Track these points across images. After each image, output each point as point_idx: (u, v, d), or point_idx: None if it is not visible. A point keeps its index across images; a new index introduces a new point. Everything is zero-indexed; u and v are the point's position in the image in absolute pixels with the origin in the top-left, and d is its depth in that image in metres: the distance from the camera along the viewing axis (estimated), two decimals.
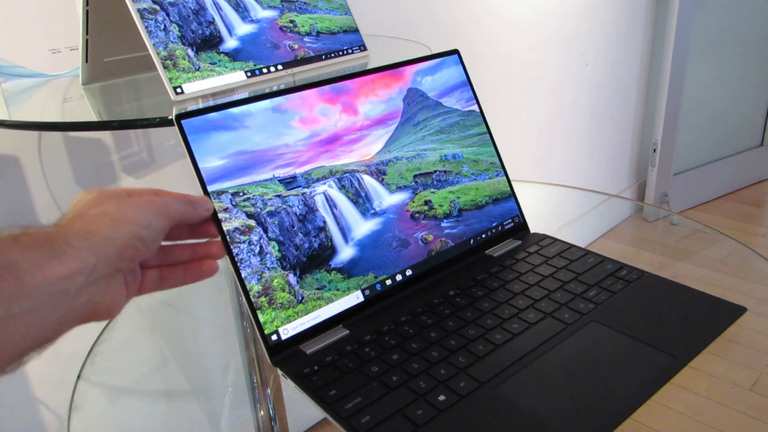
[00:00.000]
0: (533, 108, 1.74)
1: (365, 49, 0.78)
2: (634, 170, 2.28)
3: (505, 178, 0.66)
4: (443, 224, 0.60)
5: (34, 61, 0.83)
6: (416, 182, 0.59)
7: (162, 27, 0.63)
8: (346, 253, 0.53)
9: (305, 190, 0.53)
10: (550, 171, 1.88)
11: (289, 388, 0.47)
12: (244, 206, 0.49)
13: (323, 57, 0.74)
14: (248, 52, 0.68)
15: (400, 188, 0.58)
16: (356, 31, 0.79)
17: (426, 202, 0.59)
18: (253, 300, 0.48)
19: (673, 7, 1.93)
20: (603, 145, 2.07)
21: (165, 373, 1.01)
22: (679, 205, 2.26)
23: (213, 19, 0.67)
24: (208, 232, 0.47)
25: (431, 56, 0.64)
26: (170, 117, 0.51)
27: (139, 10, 0.61)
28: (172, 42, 0.63)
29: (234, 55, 0.67)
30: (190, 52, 0.64)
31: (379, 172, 0.57)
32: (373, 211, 0.56)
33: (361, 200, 0.56)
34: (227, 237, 0.47)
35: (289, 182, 0.52)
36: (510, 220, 0.65)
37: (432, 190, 0.60)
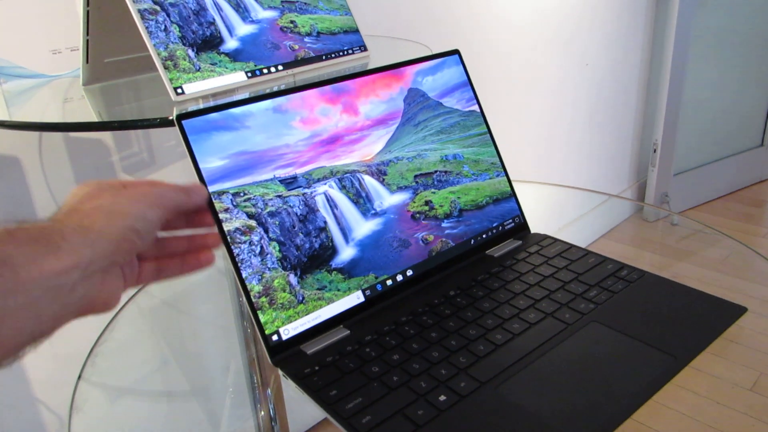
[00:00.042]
0: (533, 108, 1.74)
1: (365, 49, 0.78)
2: (635, 170, 2.28)
3: (505, 178, 0.66)
4: (444, 224, 0.60)
5: (34, 61, 0.83)
6: (417, 182, 0.59)
7: (162, 27, 0.63)
8: (346, 253, 0.54)
9: (306, 190, 0.53)
10: (551, 171, 1.88)
11: (290, 389, 0.47)
12: (245, 206, 0.49)
13: (324, 57, 0.74)
14: (249, 52, 0.68)
15: (400, 188, 0.58)
16: (356, 31, 0.79)
17: (427, 203, 0.59)
18: (253, 300, 0.48)
19: (673, 7, 1.93)
20: (603, 145, 2.07)
21: (165, 374, 1.01)
22: (679, 205, 2.26)
23: (213, 19, 0.67)
24: (203, 221, 0.47)
25: (432, 56, 0.64)
26: (171, 117, 0.51)
27: (139, 11, 0.61)
28: (172, 42, 0.63)
29: (234, 56, 0.67)
30: (190, 52, 0.64)
31: (379, 172, 0.57)
32: (373, 212, 0.56)
33: (362, 200, 0.56)
34: (228, 237, 0.47)
35: (289, 182, 0.52)
36: (510, 220, 0.65)
37: (433, 190, 0.60)
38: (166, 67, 0.62)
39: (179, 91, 0.62)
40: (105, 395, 0.84)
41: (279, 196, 0.51)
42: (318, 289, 0.51)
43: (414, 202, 0.59)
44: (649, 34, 2.09)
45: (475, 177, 0.64)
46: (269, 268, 0.49)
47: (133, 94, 0.75)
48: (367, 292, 0.54)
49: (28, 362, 0.92)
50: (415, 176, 0.59)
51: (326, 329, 0.51)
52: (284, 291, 0.49)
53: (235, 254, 0.48)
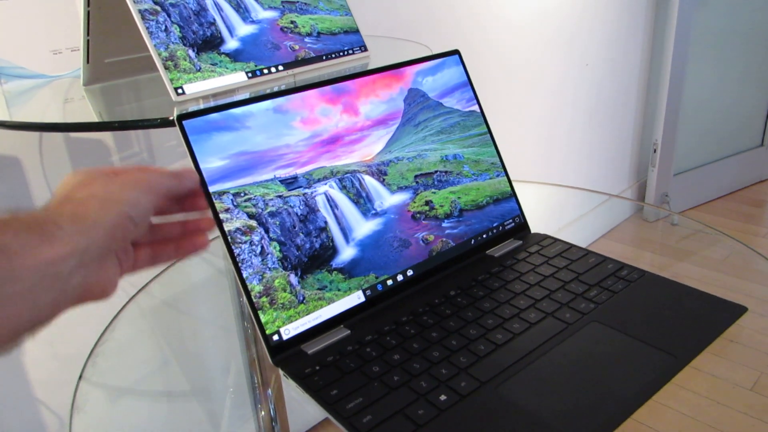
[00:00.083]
0: (533, 108, 1.74)
1: (366, 49, 0.78)
2: (635, 170, 2.28)
3: (505, 178, 0.66)
4: (444, 224, 0.60)
5: (35, 62, 0.83)
6: (417, 182, 0.59)
7: (163, 28, 0.63)
8: (347, 253, 0.54)
9: (306, 190, 0.53)
10: (551, 171, 1.88)
11: (291, 389, 0.47)
12: (246, 207, 0.49)
13: (324, 58, 0.74)
14: (249, 52, 0.68)
15: (401, 188, 0.58)
16: (357, 31, 0.79)
17: (427, 203, 0.59)
18: (254, 300, 0.48)
19: (673, 7, 1.93)
20: (603, 145, 2.07)
21: (166, 374, 1.01)
22: (679, 205, 2.26)
23: (214, 19, 0.67)
24: (196, 204, 0.47)
25: (432, 57, 0.64)
26: (171, 118, 0.51)
27: (140, 11, 0.62)
28: (173, 43, 0.63)
29: (235, 56, 0.67)
30: (191, 52, 0.64)
31: (380, 172, 0.57)
32: (374, 212, 0.56)
33: (362, 200, 0.56)
34: (228, 237, 0.48)
35: (290, 182, 0.52)
36: (511, 220, 0.65)
37: (433, 190, 0.60)
38: (166, 68, 0.62)
39: (180, 91, 0.62)
40: (106, 395, 0.84)
41: (279, 196, 0.51)
42: (318, 289, 0.51)
43: (414, 202, 0.59)
44: (649, 34, 2.09)
45: (476, 177, 0.64)
46: (270, 268, 0.49)
47: (133, 94, 0.75)
48: (368, 292, 0.54)
49: (29, 362, 0.92)
50: (416, 176, 0.60)
51: (327, 329, 0.51)
52: (285, 291, 0.49)
53: (235, 254, 0.48)
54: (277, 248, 0.50)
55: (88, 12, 0.68)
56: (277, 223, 0.50)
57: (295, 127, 0.53)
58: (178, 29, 0.64)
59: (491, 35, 1.52)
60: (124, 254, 0.41)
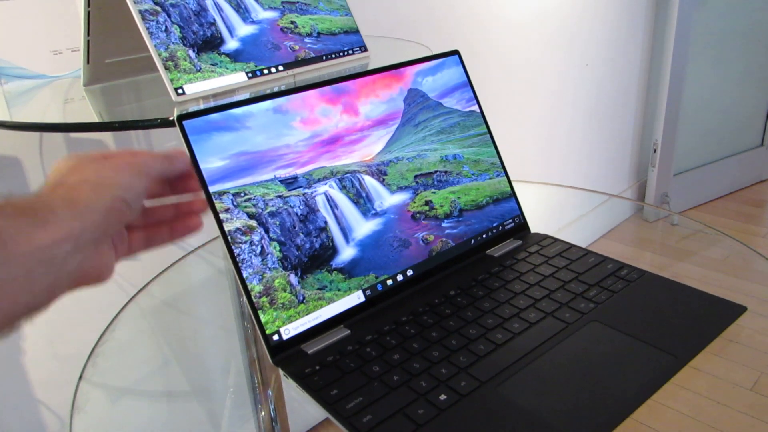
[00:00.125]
0: (533, 108, 1.74)
1: (366, 49, 0.79)
2: (635, 170, 2.28)
3: (505, 178, 0.66)
4: (444, 224, 0.60)
5: (35, 62, 0.83)
6: (417, 182, 0.59)
7: (163, 28, 0.63)
8: (347, 253, 0.54)
9: (306, 190, 0.53)
10: (551, 171, 1.88)
11: (291, 389, 0.47)
12: (246, 207, 0.49)
13: (324, 58, 0.74)
14: (249, 53, 0.68)
15: (400, 188, 0.58)
16: (357, 32, 0.79)
17: (427, 203, 0.59)
18: (254, 300, 0.48)
19: (673, 7, 1.93)
20: (603, 145, 2.07)
21: (166, 374, 1.01)
22: (679, 205, 2.26)
23: (214, 20, 0.67)
24: (188, 186, 0.47)
25: (432, 57, 0.64)
26: (172, 118, 0.51)
27: (140, 12, 0.62)
28: (173, 43, 0.63)
29: (235, 56, 0.67)
30: (191, 53, 0.64)
31: (380, 172, 0.57)
32: (374, 212, 0.56)
33: (362, 200, 0.56)
34: (228, 237, 0.48)
35: (290, 183, 0.52)
36: (510, 220, 0.65)
37: (433, 190, 0.60)
38: (166, 68, 0.62)
39: (180, 91, 0.62)
40: (106, 395, 0.84)
41: (279, 197, 0.51)
42: (318, 288, 0.51)
43: (414, 202, 0.59)
44: (649, 34, 2.09)
45: (475, 177, 0.64)
46: (270, 268, 0.49)
47: (133, 94, 0.75)
48: (368, 292, 0.54)
49: (29, 362, 0.92)
50: (415, 176, 0.60)
51: (327, 329, 0.51)
52: (285, 291, 0.49)
53: (235, 254, 0.48)
54: (277, 248, 0.50)
55: (89, 12, 0.68)
56: (277, 223, 0.50)
57: (295, 128, 0.53)
58: (179, 29, 0.64)
59: (491, 35, 1.52)
60: (118, 238, 0.41)
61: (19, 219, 0.32)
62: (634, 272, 0.57)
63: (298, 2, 0.74)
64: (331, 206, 0.54)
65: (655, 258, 1.84)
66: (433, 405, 0.43)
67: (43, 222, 0.33)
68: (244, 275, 0.48)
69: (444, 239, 0.60)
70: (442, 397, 0.44)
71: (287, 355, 0.49)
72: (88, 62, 0.73)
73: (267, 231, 0.50)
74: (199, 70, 0.64)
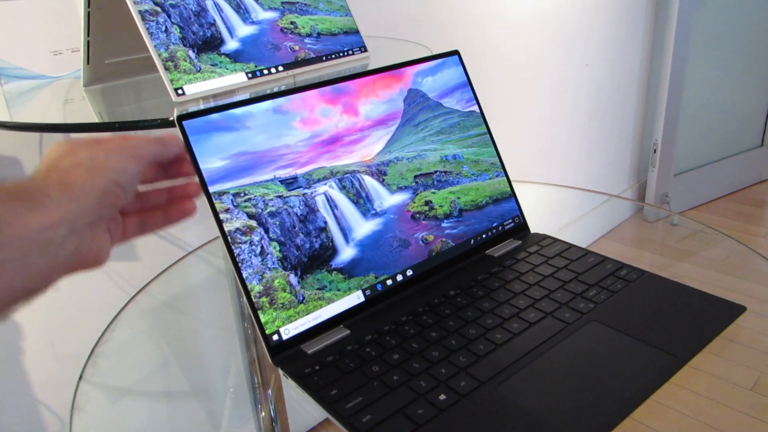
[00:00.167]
0: (533, 108, 1.74)
1: (366, 50, 0.79)
2: (635, 170, 2.28)
3: (505, 178, 0.66)
4: (444, 224, 0.60)
5: (35, 62, 0.83)
6: (417, 183, 0.60)
7: (163, 29, 0.63)
8: (346, 253, 0.54)
9: (306, 190, 0.53)
10: (550, 171, 1.88)
11: (291, 389, 0.47)
12: (246, 207, 0.49)
13: (324, 58, 0.74)
14: (249, 53, 0.68)
15: (400, 189, 0.58)
16: (357, 32, 0.79)
17: (426, 203, 0.60)
18: (254, 300, 0.48)
19: (673, 7, 1.93)
20: (603, 145, 2.07)
21: (166, 374, 1.01)
22: (679, 205, 2.26)
23: (214, 20, 0.67)
24: (181, 170, 0.47)
25: (431, 57, 0.64)
26: (172, 118, 0.52)
27: (140, 12, 0.62)
28: (173, 43, 0.63)
29: (235, 57, 0.67)
30: (191, 53, 0.64)
31: (379, 172, 0.57)
32: (373, 212, 0.56)
33: (362, 201, 0.56)
34: (228, 237, 0.48)
35: (290, 183, 0.52)
36: (510, 220, 0.65)
37: (432, 190, 0.60)
38: (166, 68, 0.62)
39: (180, 91, 0.62)
40: (106, 396, 0.84)
41: (279, 197, 0.51)
42: (318, 289, 0.51)
43: (414, 203, 0.59)
44: (649, 34, 2.09)
45: (475, 177, 0.64)
46: (270, 268, 0.49)
47: (133, 95, 0.75)
48: (368, 292, 0.54)
49: (29, 362, 0.92)
50: (415, 176, 0.60)
51: (326, 329, 0.51)
52: (285, 291, 0.50)
53: (235, 254, 0.48)
54: (277, 248, 0.50)
55: (89, 13, 0.68)
56: (277, 223, 0.50)
57: (294, 128, 0.53)
58: (179, 30, 0.64)
59: (491, 35, 1.52)
60: (113, 223, 0.41)
61: (14, 203, 0.32)
62: (634, 272, 0.57)
63: (298, 3, 0.74)
64: (330, 206, 0.54)
65: (655, 258, 1.84)
66: (433, 405, 0.43)
67: (37, 205, 0.33)
68: (244, 275, 0.48)
69: (444, 239, 0.60)
70: (442, 397, 0.44)
71: (287, 355, 0.49)
72: (88, 62, 0.73)
73: (267, 231, 0.50)
74: (199, 71, 0.64)
